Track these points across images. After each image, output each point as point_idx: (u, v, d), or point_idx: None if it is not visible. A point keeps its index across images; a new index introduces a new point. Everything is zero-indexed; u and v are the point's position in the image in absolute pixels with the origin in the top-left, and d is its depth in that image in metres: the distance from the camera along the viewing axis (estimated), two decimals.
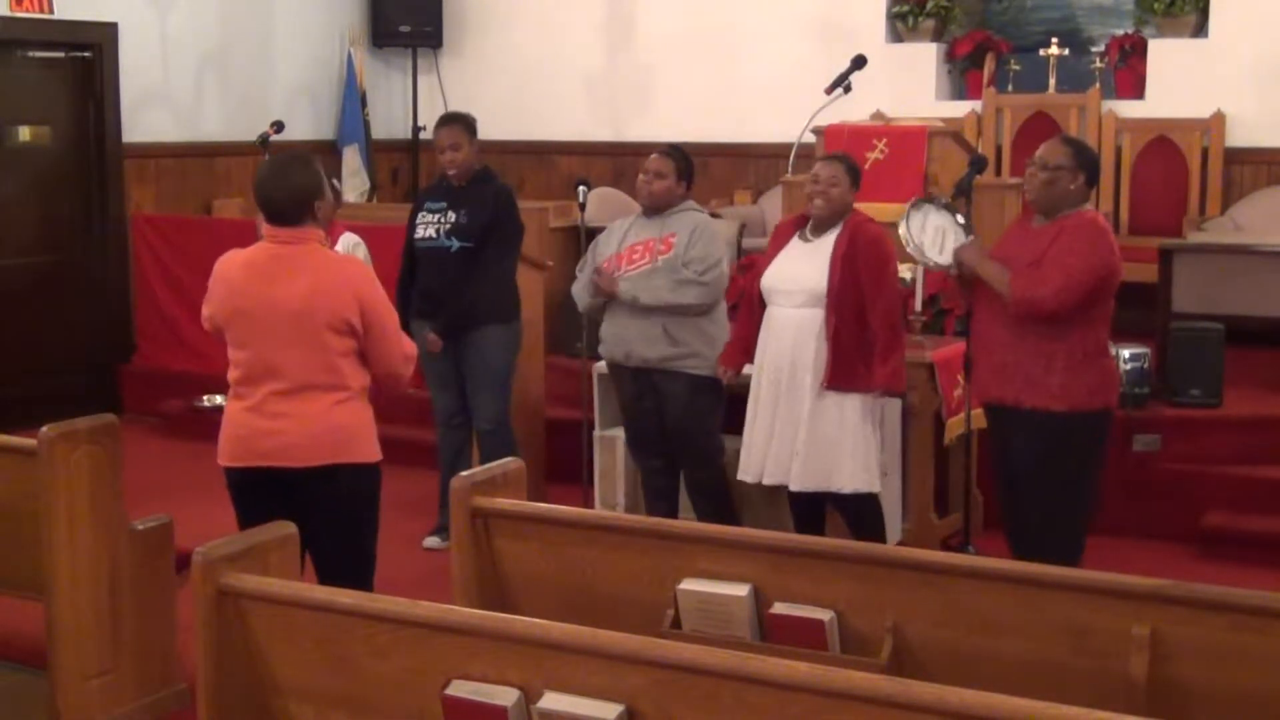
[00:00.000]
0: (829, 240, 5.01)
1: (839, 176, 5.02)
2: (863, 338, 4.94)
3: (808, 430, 4.96)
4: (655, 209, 5.42)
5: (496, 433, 5.91)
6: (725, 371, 5.26)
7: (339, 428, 3.95)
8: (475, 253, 5.80)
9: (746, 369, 5.24)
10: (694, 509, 5.52)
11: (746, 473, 5.17)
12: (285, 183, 3.96)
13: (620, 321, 5.42)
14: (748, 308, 5.24)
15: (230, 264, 4.06)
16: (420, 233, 5.87)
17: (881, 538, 5.12)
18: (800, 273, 5.02)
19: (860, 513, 5.10)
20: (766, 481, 5.09)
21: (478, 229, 5.80)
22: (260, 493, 4.00)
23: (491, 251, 5.83)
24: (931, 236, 4.81)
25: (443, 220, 5.85)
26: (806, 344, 4.97)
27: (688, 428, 5.41)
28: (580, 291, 5.58)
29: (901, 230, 4.80)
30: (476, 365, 5.87)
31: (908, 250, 4.82)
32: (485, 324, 5.84)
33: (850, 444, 4.97)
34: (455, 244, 5.80)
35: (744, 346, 5.20)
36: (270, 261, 3.97)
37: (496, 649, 2.88)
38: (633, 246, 5.41)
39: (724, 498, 5.49)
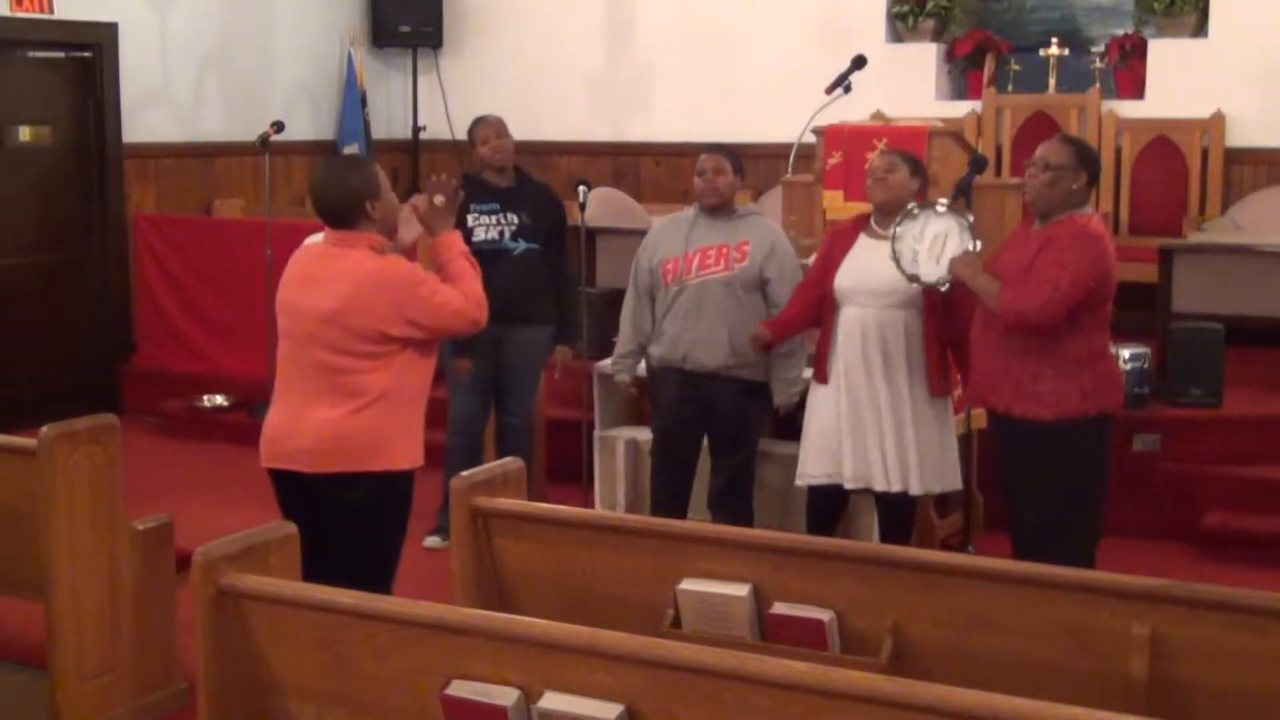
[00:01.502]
0: None
1: (896, 164, 5.01)
2: (949, 336, 4.96)
3: (914, 433, 4.94)
4: (719, 208, 5.28)
5: (526, 428, 6.03)
6: (764, 333, 5.09)
7: (354, 434, 3.91)
8: (539, 254, 5.89)
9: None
10: (717, 511, 5.37)
11: (810, 477, 5.07)
12: (336, 184, 3.95)
13: (681, 324, 5.27)
14: (808, 300, 5.11)
15: (298, 253, 4.08)
16: (480, 235, 5.81)
17: (909, 539, 5.11)
18: (886, 271, 4.87)
19: (903, 515, 5.10)
20: (877, 488, 4.97)
21: (541, 231, 5.91)
22: (292, 494, 4.01)
23: (557, 252, 5.97)
24: (929, 245, 4.75)
25: (503, 221, 5.88)
26: (897, 345, 4.93)
27: (738, 431, 5.33)
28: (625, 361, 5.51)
29: (890, 247, 4.78)
30: (523, 362, 5.96)
31: (899, 267, 4.79)
32: (540, 323, 5.96)
33: (949, 444, 5.04)
34: (521, 245, 5.87)
35: (791, 328, 5.12)
36: (318, 261, 3.97)
37: (496, 649, 2.88)
38: (704, 249, 5.25)
39: (749, 501, 5.44)
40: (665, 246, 5.35)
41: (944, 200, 4.92)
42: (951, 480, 5.10)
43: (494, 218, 5.88)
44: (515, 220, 5.88)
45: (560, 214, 6.07)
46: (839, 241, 5.09)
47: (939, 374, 4.97)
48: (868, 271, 4.95)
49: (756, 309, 5.25)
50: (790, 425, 5.42)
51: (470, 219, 5.86)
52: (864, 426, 4.95)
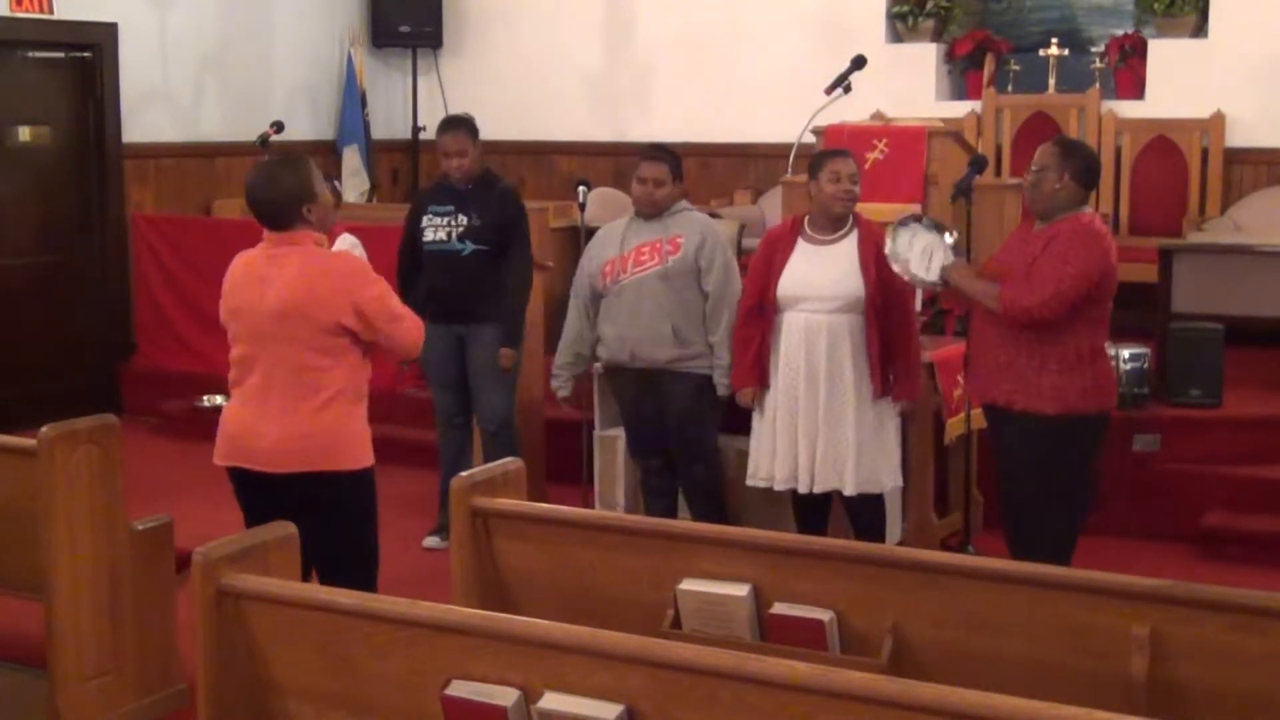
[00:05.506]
0: (847, 244, 5.01)
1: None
2: (890, 342, 5.00)
3: (855, 434, 4.97)
4: (655, 214, 5.40)
5: (501, 434, 5.92)
6: (748, 393, 5.12)
7: (318, 433, 3.93)
8: (490, 255, 5.83)
9: None
10: (690, 508, 5.52)
11: (761, 479, 5.12)
12: (272, 187, 3.95)
13: (624, 323, 5.37)
14: (755, 321, 5.12)
15: (236, 263, 4.09)
16: (429, 235, 5.84)
17: (883, 538, 5.14)
18: (828, 278, 4.97)
19: (872, 514, 5.13)
20: (818, 489, 5.02)
21: (491, 231, 5.84)
22: (256, 492, 4.01)
23: (515, 252, 5.89)
24: (919, 255, 4.82)
25: (453, 223, 5.85)
26: (842, 349, 4.96)
27: (690, 427, 5.39)
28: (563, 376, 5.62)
29: (888, 249, 4.83)
30: (484, 364, 5.86)
31: (894, 268, 4.83)
32: (493, 322, 5.85)
33: (890, 444, 5.07)
34: (469, 247, 5.82)
35: (759, 362, 5.09)
36: (265, 262, 3.98)
37: (496, 649, 2.88)
38: (638, 249, 5.36)
39: (720, 497, 5.50)
40: (603, 252, 5.47)
41: (930, 218, 4.97)
42: (892, 479, 5.11)
43: (445, 219, 5.85)
44: (464, 221, 5.83)
45: (515, 216, 5.93)
46: (778, 248, 5.12)
47: (882, 376, 4.99)
48: (811, 277, 5.01)
49: (696, 299, 5.32)
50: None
51: (424, 220, 5.88)
52: (798, 429, 5.01)
